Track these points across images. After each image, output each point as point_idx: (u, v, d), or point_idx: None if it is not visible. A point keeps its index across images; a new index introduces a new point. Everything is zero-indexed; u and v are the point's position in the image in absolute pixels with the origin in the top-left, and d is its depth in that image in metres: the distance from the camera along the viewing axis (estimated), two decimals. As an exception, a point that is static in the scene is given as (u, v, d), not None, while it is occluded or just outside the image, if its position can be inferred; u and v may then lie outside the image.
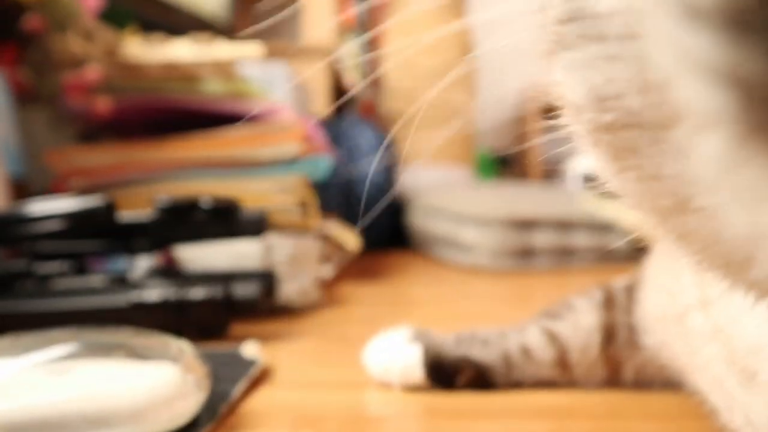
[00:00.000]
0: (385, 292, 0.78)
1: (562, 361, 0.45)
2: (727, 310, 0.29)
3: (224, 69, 0.90)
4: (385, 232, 1.01)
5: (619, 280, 0.46)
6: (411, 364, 0.45)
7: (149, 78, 0.87)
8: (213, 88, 0.87)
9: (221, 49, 0.92)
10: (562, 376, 0.45)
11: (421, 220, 1.01)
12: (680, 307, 0.34)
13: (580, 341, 0.45)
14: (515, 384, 0.45)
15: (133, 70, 0.86)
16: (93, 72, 0.84)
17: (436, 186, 1.14)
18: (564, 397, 0.44)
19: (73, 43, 0.88)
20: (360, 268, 0.86)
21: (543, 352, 0.45)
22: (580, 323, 0.45)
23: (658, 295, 0.39)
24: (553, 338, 0.45)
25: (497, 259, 0.85)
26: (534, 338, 0.46)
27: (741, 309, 0.28)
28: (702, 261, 0.15)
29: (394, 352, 0.46)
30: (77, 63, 0.88)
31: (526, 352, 0.45)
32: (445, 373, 0.45)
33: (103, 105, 0.83)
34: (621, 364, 0.44)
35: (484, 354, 0.45)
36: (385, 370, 0.46)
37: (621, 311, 0.45)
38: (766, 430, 0.27)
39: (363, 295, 0.77)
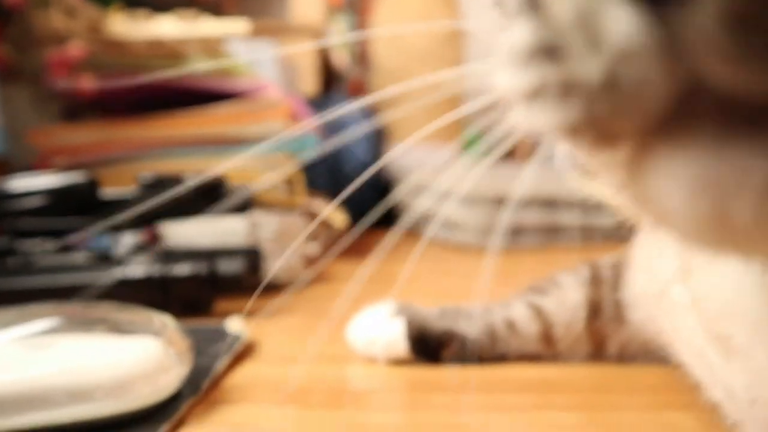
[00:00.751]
0: (372, 269, 0.78)
1: (547, 336, 0.45)
2: (703, 278, 0.29)
3: (210, 46, 0.89)
4: (373, 210, 1.01)
5: (605, 258, 0.47)
6: (394, 337, 0.45)
7: (134, 55, 0.85)
8: (199, 66, 0.86)
9: (207, 26, 0.91)
10: (546, 350, 0.45)
11: (408, 198, 1.01)
12: (662, 281, 0.34)
13: (565, 316, 0.45)
14: (499, 358, 0.45)
15: (118, 47, 0.85)
16: (76, 49, 0.83)
17: (423, 164, 1.14)
18: (549, 370, 0.44)
19: (56, 19, 0.87)
20: (346, 245, 0.85)
21: (528, 326, 0.45)
22: (566, 298, 0.45)
23: (643, 270, 0.39)
24: (538, 312, 0.45)
25: (484, 237, 0.85)
26: (519, 312, 0.46)
27: (715, 275, 0.28)
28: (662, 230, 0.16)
29: (377, 326, 0.46)
30: (60, 40, 0.86)
31: (511, 325, 0.45)
32: (430, 347, 0.45)
33: (86, 82, 0.81)
34: (605, 339, 0.44)
35: (468, 327, 0.45)
36: (368, 344, 0.46)
37: (607, 288, 0.45)
38: (742, 395, 0.27)
39: (349, 272, 0.77)
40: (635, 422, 0.36)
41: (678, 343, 0.34)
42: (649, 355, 0.43)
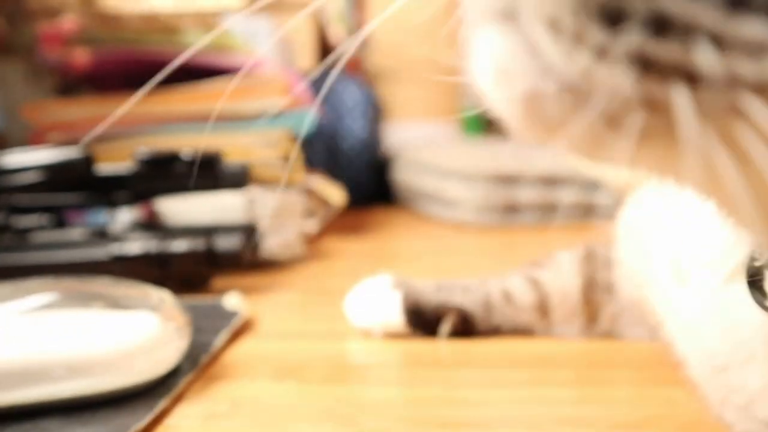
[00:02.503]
0: (370, 246, 0.78)
1: (542, 306, 0.45)
2: (674, 227, 0.30)
3: (206, 21, 0.88)
4: (370, 187, 1.01)
5: (600, 240, 0.47)
6: (391, 311, 0.45)
7: (128, 29, 0.84)
8: (194, 41, 0.85)
9: (203, 0, 0.89)
10: (540, 321, 0.46)
11: (406, 176, 1.01)
12: (647, 244, 0.35)
13: (561, 285, 0.45)
14: (494, 329, 0.45)
15: (112, 21, 0.84)
16: (69, 22, 0.82)
17: (421, 141, 1.13)
18: (543, 346, 0.44)
19: (48, -8, 0.85)
20: (344, 222, 0.85)
21: (524, 296, 0.46)
22: (562, 270, 0.46)
23: (630, 245, 0.40)
24: (535, 284, 0.46)
25: (482, 215, 0.85)
26: (516, 284, 0.46)
27: (683, 222, 0.29)
28: None
29: (374, 300, 0.46)
30: (52, 13, 0.85)
31: (507, 296, 0.46)
32: (426, 320, 0.45)
33: (80, 57, 0.80)
34: (598, 311, 0.45)
35: (464, 299, 0.46)
36: (365, 316, 0.46)
37: (600, 263, 0.46)
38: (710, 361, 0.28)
39: (347, 249, 0.77)
40: (628, 397, 0.37)
41: (661, 310, 0.34)
42: (638, 328, 0.44)
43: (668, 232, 0.30)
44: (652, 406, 0.35)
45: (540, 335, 0.45)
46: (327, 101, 1.04)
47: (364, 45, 1.33)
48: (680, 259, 0.29)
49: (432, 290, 0.46)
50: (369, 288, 0.47)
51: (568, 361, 0.42)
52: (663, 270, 0.31)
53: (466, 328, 0.45)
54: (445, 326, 0.45)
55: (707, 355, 0.28)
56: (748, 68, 0.15)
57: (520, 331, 0.46)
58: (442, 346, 0.44)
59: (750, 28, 0.14)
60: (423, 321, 0.45)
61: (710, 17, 0.14)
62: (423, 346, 0.45)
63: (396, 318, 0.45)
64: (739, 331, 0.26)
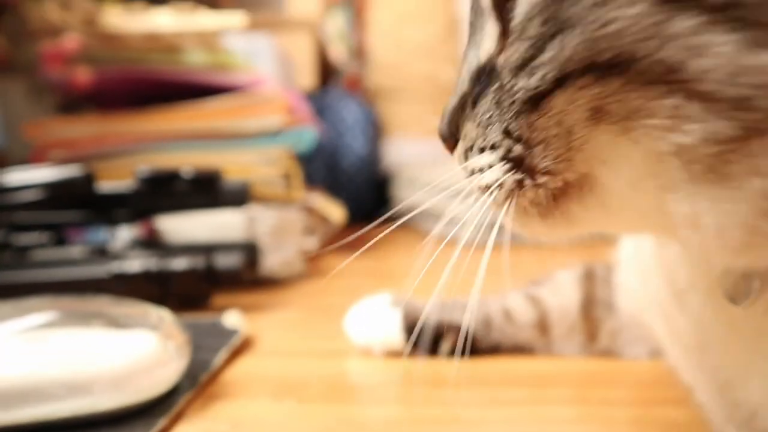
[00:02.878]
0: (369, 264, 0.78)
1: (542, 323, 0.45)
2: (667, 249, 0.30)
3: (207, 40, 0.88)
4: (370, 205, 1.01)
5: (600, 261, 0.47)
6: (391, 329, 0.45)
7: (130, 48, 0.85)
8: (195, 59, 0.86)
9: (204, 19, 0.90)
10: (540, 338, 0.45)
11: (405, 193, 1.01)
12: (644, 264, 0.35)
13: (560, 302, 0.45)
14: (493, 348, 0.45)
15: (113, 40, 0.85)
16: (71, 41, 0.83)
17: (421, 159, 1.14)
18: (542, 365, 0.44)
19: (50, 11, 0.86)
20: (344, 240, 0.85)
21: (524, 313, 0.46)
22: (561, 287, 0.46)
23: (629, 267, 0.40)
24: (534, 301, 0.46)
25: (482, 233, 0.85)
26: (516, 302, 0.46)
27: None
28: None
29: (374, 318, 0.46)
30: (55, 32, 0.86)
31: (507, 314, 0.46)
32: (426, 339, 0.45)
33: (82, 75, 0.81)
34: (598, 328, 0.45)
35: (464, 318, 0.46)
36: (365, 335, 0.46)
37: (600, 282, 0.46)
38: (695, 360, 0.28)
39: (347, 267, 0.77)
40: (628, 416, 0.37)
41: (660, 330, 0.34)
42: (638, 346, 0.44)
43: (665, 254, 0.30)
44: (652, 427, 0.35)
45: (540, 353, 0.45)
46: (327, 119, 1.05)
47: (364, 63, 1.34)
48: (676, 280, 0.29)
49: (432, 309, 0.46)
50: (369, 306, 0.47)
51: (567, 380, 0.42)
52: (662, 293, 0.31)
53: (466, 346, 0.45)
54: (445, 345, 0.45)
55: (711, 374, 0.28)
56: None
57: (520, 350, 0.46)
58: (441, 365, 0.44)
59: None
60: (423, 340, 0.45)
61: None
62: (422, 365, 0.45)
63: (396, 336, 0.45)
64: (738, 346, 0.26)
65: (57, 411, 0.34)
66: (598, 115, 0.21)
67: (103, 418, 0.35)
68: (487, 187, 0.26)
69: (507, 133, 0.24)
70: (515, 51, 0.23)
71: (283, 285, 0.69)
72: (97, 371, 0.36)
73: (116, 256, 0.58)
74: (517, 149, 0.24)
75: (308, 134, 0.84)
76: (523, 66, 0.22)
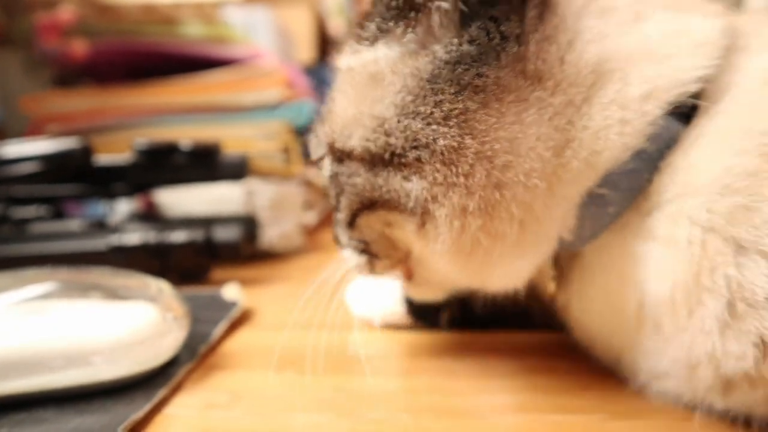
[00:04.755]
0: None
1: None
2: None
3: (205, 12, 0.87)
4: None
5: None
6: (391, 300, 0.46)
7: (126, 20, 0.84)
8: (193, 32, 0.85)
9: (201, -9, 0.89)
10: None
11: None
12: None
13: None
14: (492, 308, 0.46)
15: (110, 12, 0.84)
16: (67, 13, 0.81)
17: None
18: (540, 336, 0.44)
19: (46, -18, 0.85)
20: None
21: None
22: None
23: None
24: None
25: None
26: None
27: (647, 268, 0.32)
28: None
29: (374, 290, 0.46)
30: (50, 4, 0.85)
31: None
32: (426, 309, 0.45)
33: (78, 48, 0.80)
34: None
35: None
36: (366, 307, 0.46)
37: None
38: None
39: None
40: (626, 386, 0.37)
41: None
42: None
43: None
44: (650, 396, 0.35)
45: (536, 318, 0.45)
46: (326, 93, 1.03)
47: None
48: (650, 303, 0.32)
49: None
50: (369, 279, 0.47)
51: (564, 351, 0.42)
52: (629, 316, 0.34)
53: (465, 315, 0.45)
54: (445, 314, 0.45)
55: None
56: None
57: (516, 322, 0.46)
58: (439, 337, 0.44)
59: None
60: (423, 310, 0.45)
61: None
62: (420, 336, 0.45)
63: (396, 308, 0.45)
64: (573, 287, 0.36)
65: (56, 381, 0.34)
66: (388, 223, 0.35)
67: (102, 389, 0.35)
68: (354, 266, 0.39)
69: (349, 239, 0.38)
70: (333, 199, 0.37)
71: (282, 258, 0.69)
72: (96, 342, 0.36)
73: (115, 230, 0.58)
74: (361, 246, 0.38)
75: (307, 108, 0.83)
76: (338, 209, 0.37)
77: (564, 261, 0.36)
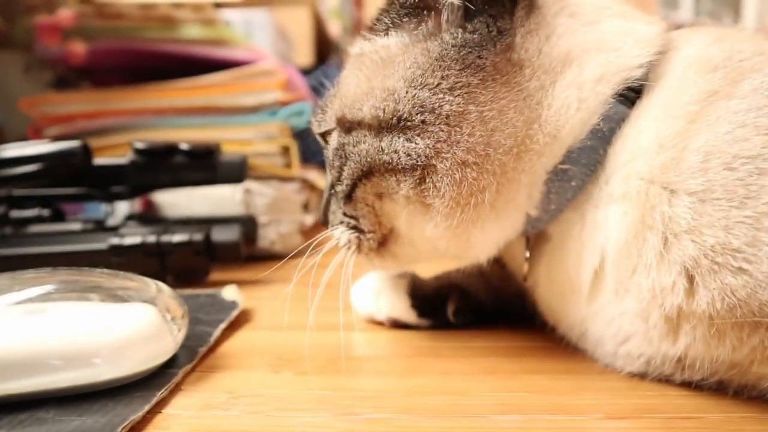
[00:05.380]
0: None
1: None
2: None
3: (204, 14, 0.87)
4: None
5: None
6: (397, 297, 0.46)
7: (125, 21, 0.84)
8: (192, 34, 0.85)
9: (200, -7, 0.89)
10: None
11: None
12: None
13: None
14: (493, 291, 0.47)
15: (109, 13, 0.84)
16: (66, 15, 0.82)
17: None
18: (539, 338, 0.44)
19: (45, -16, 0.85)
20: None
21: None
22: None
23: None
24: None
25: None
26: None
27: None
28: None
29: (380, 287, 0.47)
30: (50, 6, 0.85)
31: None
32: (431, 304, 0.46)
33: (78, 50, 0.80)
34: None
35: (462, 277, 0.48)
36: (371, 304, 0.47)
37: None
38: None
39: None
40: (623, 387, 0.37)
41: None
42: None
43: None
44: (645, 396, 0.35)
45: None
46: (324, 95, 1.04)
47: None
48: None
49: (434, 279, 0.49)
50: (375, 276, 0.48)
51: (558, 353, 0.42)
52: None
53: (469, 304, 0.46)
54: (451, 306, 0.46)
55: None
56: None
57: (517, 319, 0.46)
58: (439, 337, 0.45)
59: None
60: (428, 306, 0.46)
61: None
62: (420, 336, 0.45)
63: (401, 304, 0.46)
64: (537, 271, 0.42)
65: (55, 382, 0.34)
66: (380, 195, 0.40)
67: (102, 389, 0.35)
68: (343, 243, 0.43)
69: (344, 214, 0.42)
70: (335, 171, 0.41)
71: (281, 260, 0.69)
72: (96, 343, 0.36)
73: (114, 231, 0.58)
74: (352, 222, 0.42)
75: (306, 110, 0.83)
76: (339, 180, 0.41)
77: (534, 245, 0.42)
